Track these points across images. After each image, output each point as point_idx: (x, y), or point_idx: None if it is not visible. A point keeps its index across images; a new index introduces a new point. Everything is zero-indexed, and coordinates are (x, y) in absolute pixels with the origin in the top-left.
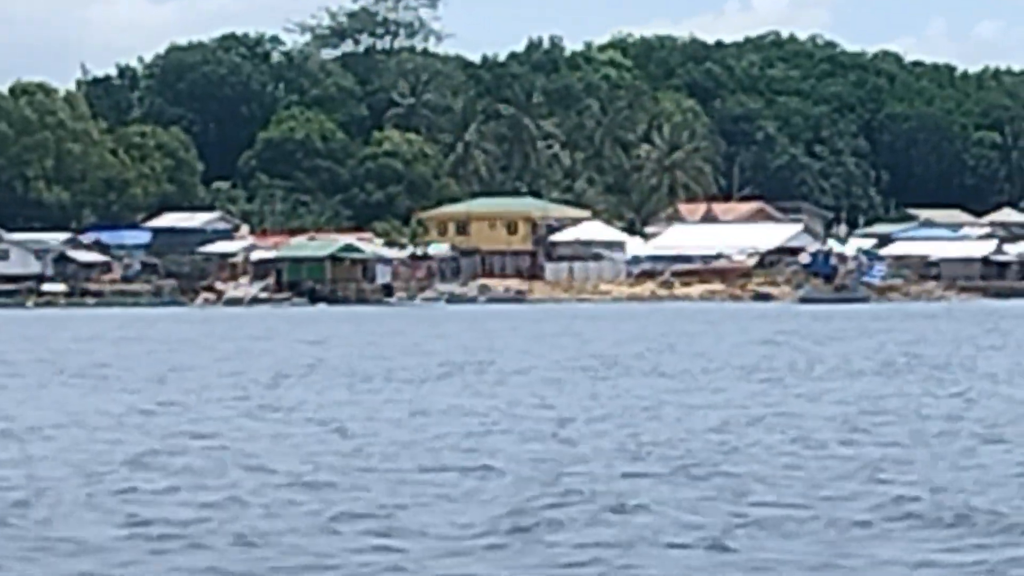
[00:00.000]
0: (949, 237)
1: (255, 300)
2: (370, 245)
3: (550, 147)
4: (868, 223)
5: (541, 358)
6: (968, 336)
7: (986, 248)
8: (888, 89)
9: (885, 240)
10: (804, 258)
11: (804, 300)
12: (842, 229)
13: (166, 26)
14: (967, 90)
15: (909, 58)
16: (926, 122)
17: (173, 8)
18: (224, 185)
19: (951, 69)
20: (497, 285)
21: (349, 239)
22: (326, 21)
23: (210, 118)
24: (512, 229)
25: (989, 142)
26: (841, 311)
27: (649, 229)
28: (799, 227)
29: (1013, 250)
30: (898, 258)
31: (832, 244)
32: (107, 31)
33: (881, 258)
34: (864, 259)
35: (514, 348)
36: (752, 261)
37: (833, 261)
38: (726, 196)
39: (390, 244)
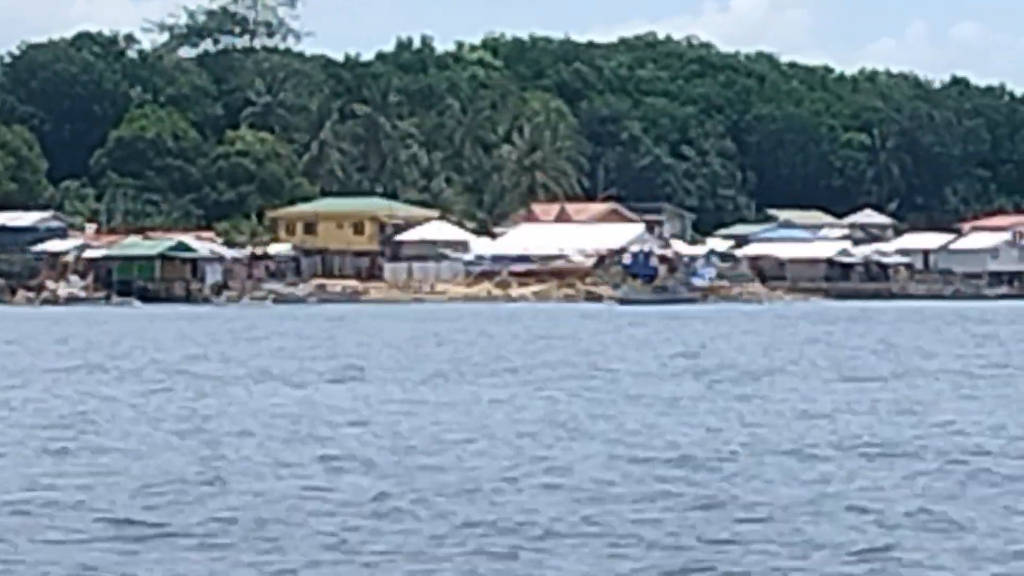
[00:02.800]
0: (805, 239)
1: (73, 299)
2: (209, 244)
3: (408, 147)
4: (731, 224)
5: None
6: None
7: (831, 250)
8: (757, 90)
9: (742, 241)
10: (626, 259)
11: (623, 301)
12: (687, 230)
13: (22, 23)
14: (840, 92)
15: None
16: (793, 123)
17: (29, 5)
18: (74, 183)
19: (828, 70)
20: (334, 285)
21: (184, 238)
22: (184, 20)
23: (62, 117)
24: (359, 229)
25: (857, 144)
26: (654, 312)
27: (500, 230)
28: (640, 228)
29: (861, 252)
30: (753, 259)
31: (680, 246)
32: None
33: (736, 259)
34: (701, 261)
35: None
36: (591, 262)
37: (654, 263)
38: (590, 197)
39: (230, 244)
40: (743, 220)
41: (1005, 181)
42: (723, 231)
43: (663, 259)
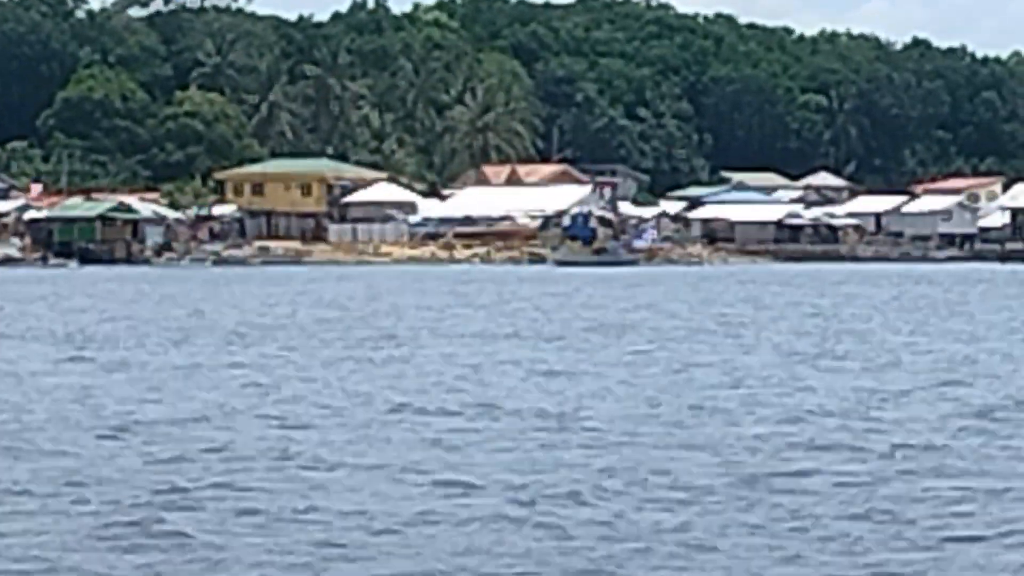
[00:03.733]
0: (757, 201)
1: (9, 260)
2: (153, 206)
3: (360, 109)
4: (686, 186)
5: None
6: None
7: (781, 212)
8: (715, 52)
9: (696, 203)
10: (565, 221)
11: (560, 263)
12: (630, 191)
13: None
14: (799, 54)
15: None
16: (750, 85)
17: None
18: (20, 144)
19: (788, 32)
20: (278, 247)
21: (127, 199)
22: None
23: (9, 77)
24: (306, 191)
25: (815, 105)
26: (590, 274)
27: (449, 191)
28: (587, 190)
29: (811, 215)
30: (705, 221)
31: (629, 208)
32: None
33: (688, 221)
34: (644, 223)
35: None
36: (536, 224)
37: (593, 224)
38: (544, 159)
39: (174, 205)
40: (698, 182)
41: (965, 143)
42: (677, 193)
43: (604, 221)
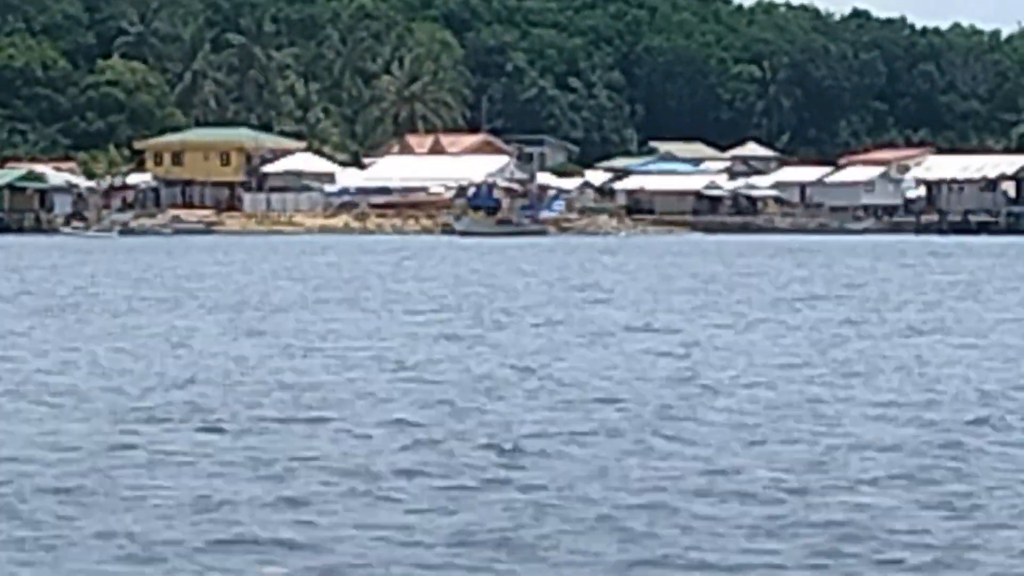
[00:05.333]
0: (683, 172)
1: None
2: (67, 175)
3: (286, 78)
4: (616, 157)
5: None
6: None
7: (700, 183)
8: (648, 22)
9: (622, 174)
10: (470, 191)
11: (463, 233)
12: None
13: None
14: (734, 24)
15: None
16: (682, 55)
17: None
18: None
19: (725, 2)
20: (191, 216)
21: (40, 168)
22: None
23: None
24: (225, 160)
25: (748, 76)
26: (493, 244)
27: (370, 160)
28: (504, 160)
29: (732, 186)
30: (630, 192)
31: (548, 179)
32: None
33: (613, 192)
34: (562, 193)
35: None
36: (451, 194)
37: (497, 195)
38: (474, 129)
39: (90, 174)
40: (628, 153)
41: (903, 115)
42: (604, 164)
43: (510, 192)
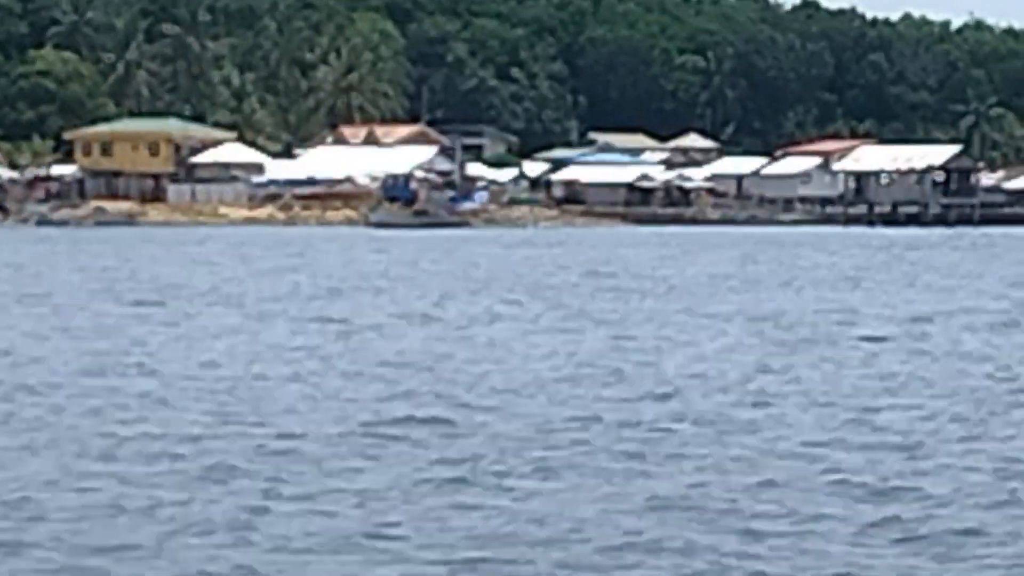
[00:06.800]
0: (621, 163)
1: None
2: None
3: (221, 68)
4: (557, 147)
5: None
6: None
7: (632, 175)
8: (592, 12)
9: (560, 165)
10: (387, 182)
11: (377, 224)
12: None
13: None
14: (679, 14)
15: None
16: (626, 46)
17: None
18: None
19: None
20: (113, 208)
21: None
22: None
23: None
24: (154, 151)
25: (691, 67)
26: (405, 236)
27: (301, 151)
28: (433, 151)
29: (665, 177)
30: (567, 183)
31: (482, 170)
32: None
33: (548, 184)
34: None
35: None
36: (377, 185)
37: (413, 186)
38: (414, 119)
39: (14, 165)
40: (568, 144)
41: (852, 106)
42: (542, 155)
43: (429, 183)
